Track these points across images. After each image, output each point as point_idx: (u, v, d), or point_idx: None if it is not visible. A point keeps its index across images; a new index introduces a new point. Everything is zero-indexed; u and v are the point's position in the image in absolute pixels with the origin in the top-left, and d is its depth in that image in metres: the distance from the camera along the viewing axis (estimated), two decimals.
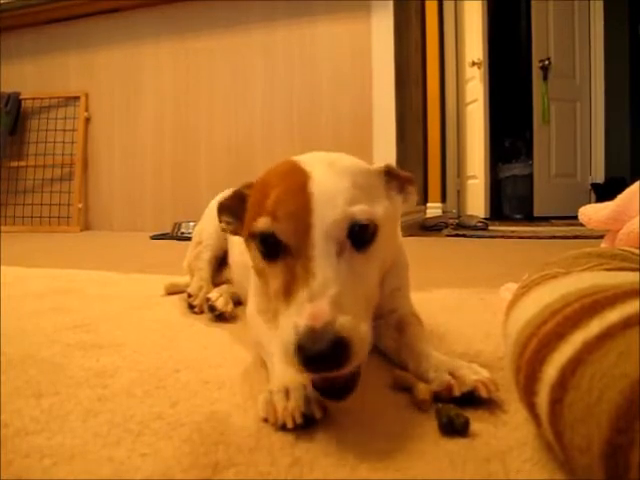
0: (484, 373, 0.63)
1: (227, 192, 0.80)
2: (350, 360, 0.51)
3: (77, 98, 4.14)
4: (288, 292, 0.56)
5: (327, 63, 3.48)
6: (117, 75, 4.06)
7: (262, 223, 0.61)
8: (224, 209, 0.79)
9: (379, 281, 0.67)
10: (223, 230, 0.81)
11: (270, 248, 0.62)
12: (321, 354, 0.49)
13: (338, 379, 0.54)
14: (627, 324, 0.40)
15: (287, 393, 0.58)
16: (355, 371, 0.55)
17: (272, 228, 0.60)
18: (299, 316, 0.52)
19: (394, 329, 0.82)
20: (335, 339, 0.50)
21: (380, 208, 0.65)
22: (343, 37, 3.43)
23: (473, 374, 0.63)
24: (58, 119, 4.17)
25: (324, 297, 0.53)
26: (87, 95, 4.13)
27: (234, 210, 0.77)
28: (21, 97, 4.20)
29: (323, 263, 0.56)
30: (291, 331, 0.52)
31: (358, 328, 0.52)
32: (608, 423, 0.35)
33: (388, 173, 0.74)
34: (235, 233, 0.79)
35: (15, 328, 1.03)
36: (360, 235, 0.60)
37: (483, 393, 0.60)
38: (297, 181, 0.62)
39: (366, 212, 0.61)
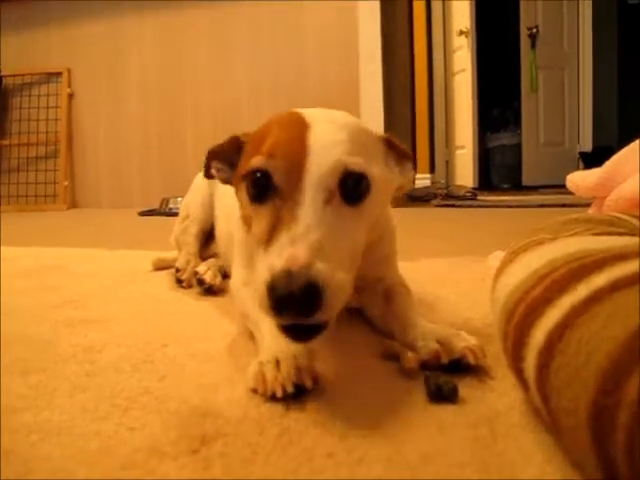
0: (472, 340, 0.63)
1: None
2: (322, 308, 0.49)
3: (59, 74, 4.07)
4: (270, 235, 0.55)
5: (313, 32, 3.44)
6: (100, 49, 3.99)
7: (257, 160, 0.60)
8: (216, 156, 0.77)
9: (365, 243, 0.64)
10: (210, 177, 0.79)
11: (260, 189, 0.60)
12: (292, 297, 0.48)
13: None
14: (614, 287, 0.39)
15: (277, 363, 0.58)
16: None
17: (266, 166, 0.59)
18: (277, 257, 0.51)
19: (381, 298, 0.82)
20: (309, 283, 0.48)
21: (376, 168, 0.64)
22: (330, 9, 3.38)
23: (461, 342, 0.63)
24: (40, 96, 4.11)
25: (305, 241, 0.51)
26: (69, 71, 4.06)
27: (227, 157, 0.76)
28: (2, 74, 4.11)
29: (309, 209, 0.55)
30: (266, 272, 0.50)
31: (335, 277, 0.51)
32: (594, 385, 0.35)
33: (388, 142, 0.72)
34: (226, 181, 0.78)
35: (2, 306, 1.02)
36: (352, 187, 0.60)
37: (471, 360, 0.61)
38: (297, 129, 0.61)
39: (361, 165, 0.60)
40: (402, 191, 0.78)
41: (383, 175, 0.66)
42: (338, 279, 0.51)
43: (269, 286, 0.49)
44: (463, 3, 5.08)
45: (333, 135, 0.61)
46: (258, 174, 0.60)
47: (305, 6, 3.43)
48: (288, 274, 0.48)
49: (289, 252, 0.50)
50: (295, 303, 0.48)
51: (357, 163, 0.60)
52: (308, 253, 0.50)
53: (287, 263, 0.49)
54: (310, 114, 0.65)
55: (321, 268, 0.49)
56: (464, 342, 0.63)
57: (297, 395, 0.56)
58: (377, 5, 3.24)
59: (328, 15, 3.39)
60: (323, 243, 0.52)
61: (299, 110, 0.67)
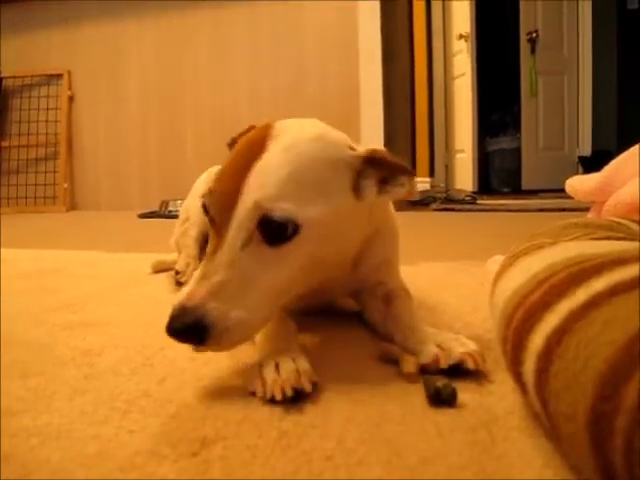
0: (471, 345, 0.63)
1: (214, 169, 0.79)
2: (207, 343, 0.56)
3: (60, 76, 4.07)
4: (203, 261, 0.61)
5: (313, 36, 3.44)
6: (100, 52, 4.00)
7: (205, 195, 0.64)
8: None
9: (308, 276, 0.66)
10: None
11: (208, 217, 0.64)
12: (179, 330, 0.55)
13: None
14: (613, 292, 0.39)
15: (277, 366, 0.59)
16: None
17: (207, 202, 0.63)
18: (184, 289, 0.57)
19: (381, 301, 0.82)
20: (195, 322, 0.55)
21: (315, 209, 0.62)
22: (330, 9, 3.38)
23: (460, 346, 0.63)
24: (41, 98, 4.11)
25: (208, 281, 0.57)
26: (70, 73, 4.06)
27: None
28: (2, 75, 4.12)
29: (225, 249, 0.59)
30: (177, 297, 0.57)
31: (230, 316, 0.56)
32: (593, 390, 0.35)
33: (370, 160, 0.68)
34: None
35: (1, 309, 1.02)
36: (272, 231, 0.60)
37: (470, 365, 0.61)
38: (247, 158, 0.62)
39: (284, 211, 0.59)
40: (405, 198, 0.75)
41: (332, 211, 0.64)
42: (233, 319, 0.56)
43: (169, 315, 0.56)
44: (463, 7, 5.08)
45: (272, 173, 0.60)
46: (204, 205, 0.64)
47: (305, 6, 3.44)
48: (182, 309, 0.56)
49: (190, 288, 0.57)
50: (184, 336, 0.56)
51: (281, 209, 0.59)
52: (204, 293, 0.56)
53: (184, 299, 0.56)
54: (275, 135, 0.64)
55: (211, 309, 0.56)
56: (463, 347, 0.63)
57: (296, 398, 0.56)
58: (377, 5, 3.24)
59: (328, 15, 3.40)
60: (225, 284, 0.57)
61: (273, 128, 0.66)
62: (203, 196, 0.64)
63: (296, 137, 0.65)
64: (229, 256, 0.58)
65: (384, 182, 0.70)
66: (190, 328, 0.55)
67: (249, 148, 0.64)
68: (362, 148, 0.70)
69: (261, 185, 0.60)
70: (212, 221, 0.63)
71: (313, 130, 0.68)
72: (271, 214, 0.59)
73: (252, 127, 0.74)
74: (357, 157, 0.68)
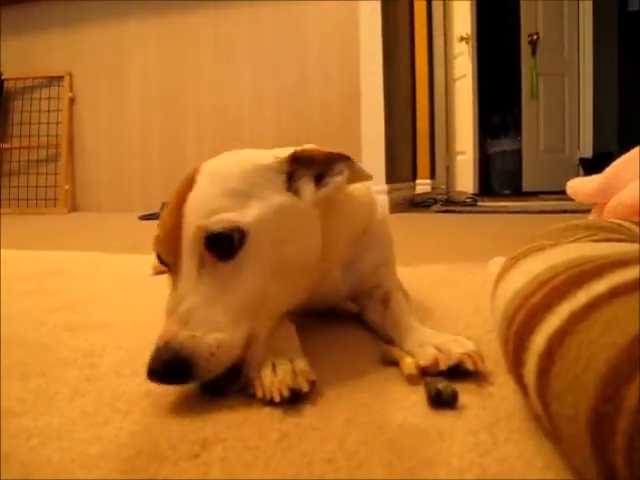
0: (470, 346, 0.63)
1: None
2: (193, 373, 0.54)
3: (61, 77, 4.07)
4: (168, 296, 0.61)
5: (315, 39, 3.44)
6: (102, 53, 4.00)
7: (154, 244, 0.64)
8: None
9: (283, 285, 0.65)
10: None
11: (163, 263, 0.65)
12: (157, 371, 0.54)
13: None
14: (614, 294, 0.39)
15: (274, 367, 0.59)
16: (233, 368, 0.58)
17: (156, 250, 0.64)
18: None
19: (379, 304, 0.82)
20: (175, 357, 0.54)
21: (254, 211, 0.62)
22: (331, 12, 3.39)
23: (459, 347, 0.63)
24: (42, 99, 4.11)
25: (173, 315, 0.57)
26: (71, 75, 4.06)
27: None
28: (3, 77, 4.12)
29: (182, 279, 0.59)
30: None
31: (205, 343, 0.55)
32: (594, 392, 0.35)
33: (297, 160, 0.68)
34: None
35: (2, 310, 1.02)
36: (221, 245, 0.60)
37: (469, 366, 0.61)
38: (180, 197, 0.63)
39: (224, 221, 0.59)
40: (359, 181, 0.74)
41: (274, 210, 0.64)
42: (209, 343, 0.55)
43: (148, 363, 0.54)
44: (464, 9, 5.08)
45: (202, 196, 0.61)
46: (158, 255, 0.65)
47: (307, 8, 3.44)
48: (157, 351, 0.54)
49: (161, 329, 0.56)
50: (162, 375, 0.54)
51: (220, 220, 0.59)
52: (174, 327, 0.56)
53: (158, 340, 0.55)
54: (202, 171, 0.65)
55: (184, 339, 0.55)
56: (462, 348, 0.63)
57: (295, 399, 0.56)
58: (378, 6, 3.24)
59: (329, 17, 3.40)
60: (193, 311, 0.57)
61: (202, 165, 0.67)
62: (153, 247, 0.64)
63: (221, 162, 0.67)
64: (188, 284, 0.59)
65: (322, 177, 0.70)
66: (170, 364, 0.54)
67: (180, 190, 0.65)
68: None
69: (195, 209, 0.60)
70: (167, 265, 0.64)
71: (237, 154, 0.70)
72: (213, 228, 0.59)
73: None
74: (282, 160, 0.68)
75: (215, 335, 0.56)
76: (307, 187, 0.69)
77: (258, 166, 0.66)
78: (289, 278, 0.66)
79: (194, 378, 0.55)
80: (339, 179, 0.70)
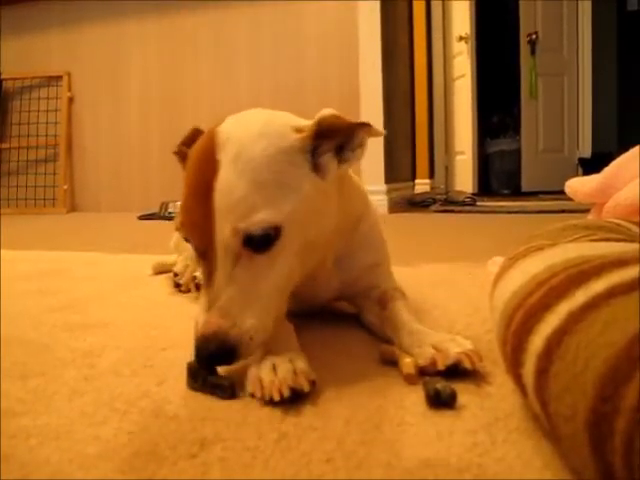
0: (467, 345, 0.64)
1: None
2: (237, 359, 0.60)
3: (60, 77, 4.06)
4: (204, 284, 0.63)
5: (314, 39, 3.44)
6: (100, 53, 3.99)
7: (180, 229, 0.66)
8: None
9: (304, 262, 0.68)
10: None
11: (192, 245, 0.66)
12: (210, 358, 0.59)
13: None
14: (612, 294, 0.39)
15: (274, 367, 0.59)
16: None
17: (187, 236, 0.66)
18: (198, 320, 0.60)
19: (376, 304, 0.82)
20: (221, 346, 0.58)
21: (288, 205, 0.62)
22: (330, 12, 3.39)
23: (457, 347, 0.63)
24: (41, 99, 4.10)
25: (214, 308, 0.60)
26: (70, 74, 4.06)
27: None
28: (2, 77, 4.12)
29: (219, 273, 0.61)
30: (195, 328, 0.60)
31: (244, 328, 0.59)
32: (593, 392, 0.35)
33: (320, 134, 0.67)
34: None
35: (2, 310, 1.02)
36: (258, 243, 0.61)
37: (467, 365, 0.61)
38: (204, 180, 0.62)
39: (262, 222, 0.60)
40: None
41: (303, 199, 0.64)
42: (251, 329, 0.60)
43: (195, 348, 0.59)
44: (463, 9, 5.08)
45: (230, 194, 0.60)
46: (185, 238, 0.67)
47: (305, 7, 3.43)
48: (205, 339, 0.59)
49: (203, 319, 0.60)
50: (214, 360, 0.60)
51: (257, 223, 0.60)
52: (217, 318, 0.59)
53: (202, 330, 0.59)
54: (222, 144, 0.63)
55: (228, 329, 0.59)
56: (460, 347, 0.63)
57: (294, 399, 0.56)
58: (377, 6, 3.24)
59: (328, 16, 3.40)
60: (232, 303, 0.60)
61: (215, 135, 0.64)
62: (178, 230, 0.65)
63: (241, 141, 0.63)
64: (225, 278, 0.61)
65: (342, 148, 0.69)
66: (218, 354, 0.59)
67: (201, 167, 0.64)
68: (308, 122, 0.68)
69: (229, 208, 0.60)
70: (196, 249, 0.64)
71: (255, 127, 0.66)
72: (251, 231, 0.60)
73: (196, 131, 0.73)
74: (306, 138, 0.66)
75: (252, 321, 0.60)
76: (331, 165, 0.68)
77: (283, 149, 0.64)
78: (309, 255, 0.68)
79: (238, 360, 0.60)
80: (360, 152, 0.70)
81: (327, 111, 0.67)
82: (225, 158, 0.62)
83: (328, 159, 0.68)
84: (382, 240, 0.91)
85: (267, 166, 0.62)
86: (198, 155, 0.66)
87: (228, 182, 0.60)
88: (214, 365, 0.61)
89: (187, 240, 0.66)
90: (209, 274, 0.62)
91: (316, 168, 0.67)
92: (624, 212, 0.85)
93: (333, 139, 0.68)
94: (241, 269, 0.61)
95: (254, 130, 0.65)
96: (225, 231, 0.60)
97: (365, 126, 0.69)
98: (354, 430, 0.50)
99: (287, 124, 0.68)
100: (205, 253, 0.62)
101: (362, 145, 0.69)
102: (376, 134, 0.70)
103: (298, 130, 0.67)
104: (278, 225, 0.61)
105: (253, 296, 0.61)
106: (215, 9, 3.63)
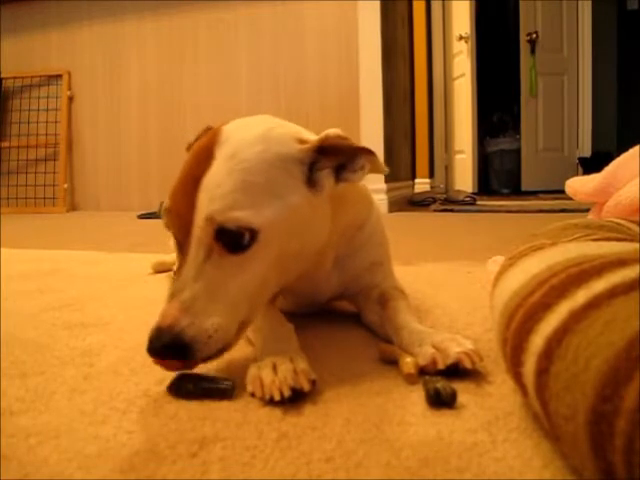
0: (467, 344, 0.63)
1: None
2: (190, 357, 0.57)
3: (59, 76, 4.06)
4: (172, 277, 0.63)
5: (313, 38, 3.44)
6: (100, 52, 3.99)
7: (162, 212, 0.65)
8: None
9: (282, 273, 0.67)
10: None
11: (172, 233, 0.66)
12: (159, 350, 0.56)
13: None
14: (613, 293, 0.39)
15: (275, 367, 0.59)
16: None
17: (167, 222, 0.65)
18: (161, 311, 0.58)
19: (377, 303, 0.82)
20: (173, 340, 0.56)
21: (270, 211, 0.61)
22: (330, 11, 3.38)
23: (456, 346, 0.63)
24: (40, 98, 4.10)
25: (176, 300, 0.58)
26: (69, 73, 4.05)
27: None
28: (1, 76, 4.11)
29: (189, 266, 0.60)
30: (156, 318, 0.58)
31: (204, 327, 0.57)
32: (593, 391, 0.35)
33: (322, 150, 0.66)
34: None
35: (1, 309, 1.01)
36: (231, 241, 0.60)
37: (467, 364, 0.61)
38: (195, 171, 0.62)
39: (238, 220, 0.59)
40: (375, 173, 0.73)
41: (288, 209, 0.63)
42: (207, 328, 0.58)
43: (148, 339, 0.57)
44: (463, 8, 5.09)
45: (219, 185, 0.60)
46: (166, 224, 0.66)
47: (305, 6, 3.43)
48: (159, 330, 0.57)
49: (162, 310, 0.58)
50: (164, 354, 0.57)
51: (232, 219, 0.59)
52: (176, 311, 0.57)
53: (159, 320, 0.57)
54: (221, 142, 0.63)
55: (186, 325, 0.57)
56: (460, 346, 0.63)
57: (295, 398, 0.56)
58: (377, 5, 3.24)
59: (328, 16, 3.39)
60: (195, 298, 0.58)
61: (218, 133, 0.65)
62: (162, 214, 0.64)
63: (240, 141, 0.64)
64: (194, 271, 0.59)
65: (342, 168, 0.69)
66: (169, 347, 0.56)
67: (196, 161, 0.64)
68: (314, 137, 0.68)
69: (211, 199, 0.59)
70: (175, 238, 0.64)
71: (257, 130, 0.66)
72: (225, 225, 0.59)
73: (209, 129, 0.73)
74: (306, 150, 0.66)
75: (213, 320, 0.58)
76: (327, 181, 0.68)
77: (280, 156, 0.64)
78: (288, 266, 0.67)
79: (192, 358, 0.57)
80: (362, 174, 0.69)
81: (333, 131, 0.67)
82: (221, 155, 0.62)
83: (325, 175, 0.67)
84: (384, 239, 0.91)
85: (259, 169, 0.62)
86: (197, 149, 0.66)
87: (217, 177, 0.60)
88: (164, 359, 0.58)
89: (168, 228, 0.65)
90: (180, 266, 0.61)
91: (311, 182, 0.66)
92: (624, 211, 0.85)
93: (334, 157, 0.68)
94: (211, 266, 0.60)
95: (256, 133, 0.65)
96: (201, 222, 0.59)
97: (369, 153, 0.68)
98: (354, 430, 0.50)
99: (291, 134, 0.68)
100: (182, 244, 0.62)
101: (363, 169, 0.69)
102: (377, 169, 0.70)
103: (301, 141, 0.67)
104: (254, 228, 0.60)
105: (219, 295, 0.60)
106: (214, 8, 3.63)
